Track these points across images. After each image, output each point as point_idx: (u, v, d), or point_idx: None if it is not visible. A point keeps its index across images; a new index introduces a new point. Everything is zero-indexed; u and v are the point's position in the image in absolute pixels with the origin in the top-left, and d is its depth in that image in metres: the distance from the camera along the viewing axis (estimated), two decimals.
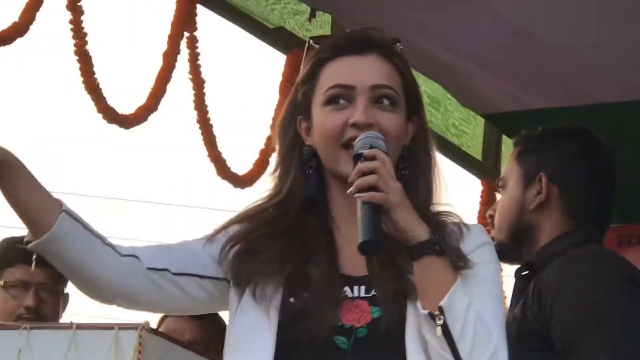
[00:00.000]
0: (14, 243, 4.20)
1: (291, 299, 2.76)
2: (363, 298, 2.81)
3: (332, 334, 2.77)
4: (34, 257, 3.74)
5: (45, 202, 2.77)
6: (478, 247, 2.89)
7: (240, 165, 5.14)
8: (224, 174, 4.92)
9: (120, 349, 3.29)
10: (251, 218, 2.87)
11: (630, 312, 3.29)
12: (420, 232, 2.76)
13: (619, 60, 5.09)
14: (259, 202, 2.88)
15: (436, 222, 2.88)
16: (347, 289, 2.81)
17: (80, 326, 3.34)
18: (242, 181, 5.01)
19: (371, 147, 2.72)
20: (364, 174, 2.68)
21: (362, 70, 2.87)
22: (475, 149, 5.94)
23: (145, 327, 3.33)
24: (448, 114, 5.81)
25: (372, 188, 2.67)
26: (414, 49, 4.93)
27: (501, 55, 5.20)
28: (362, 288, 2.82)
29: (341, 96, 2.82)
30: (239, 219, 2.90)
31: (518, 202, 3.56)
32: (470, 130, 5.91)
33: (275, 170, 2.87)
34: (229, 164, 4.99)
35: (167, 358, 3.47)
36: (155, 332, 3.45)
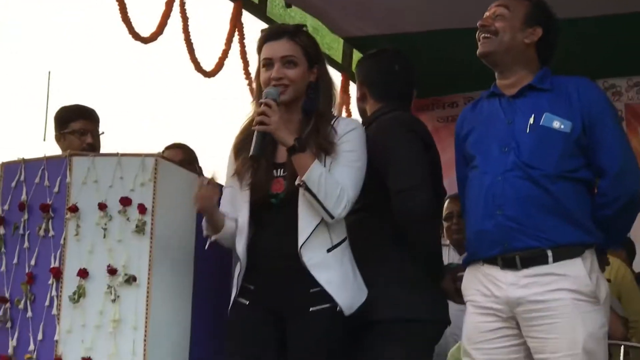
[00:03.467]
0: (69, 108, 4.85)
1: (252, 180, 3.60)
2: (281, 177, 3.59)
3: (268, 197, 3.60)
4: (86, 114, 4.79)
5: (221, 220, 3.63)
6: (344, 135, 3.57)
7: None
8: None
9: (145, 167, 3.81)
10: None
11: (408, 153, 3.76)
12: (289, 141, 3.48)
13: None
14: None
15: (328, 123, 3.59)
16: (275, 171, 3.60)
17: (122, 154, 3.83)
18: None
19: (266, 98, 3.50)
20: (259, 114, 3.50)
21: (275, 48, 3.61)
22: (338, 57, 7.13)
23: (159, 155, 3.86)
24: (323, 37, 6.98)
25: (262, 122, 3.47)
26: (306, 1, 6.43)
27: (353, 5, 6.42)
28: (281, 170, 3.59)
29: (267, 64, 3.62)
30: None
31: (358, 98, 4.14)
32: (335, 46, 7.16)
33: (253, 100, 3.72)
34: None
35: (165, 171, 3.85)
36: (163, 157, 3.92)
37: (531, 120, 3.55)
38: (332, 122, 3.62)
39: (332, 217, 3.48)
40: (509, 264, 3.47)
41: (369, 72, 4.14)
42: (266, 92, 3.54)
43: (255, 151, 3.47)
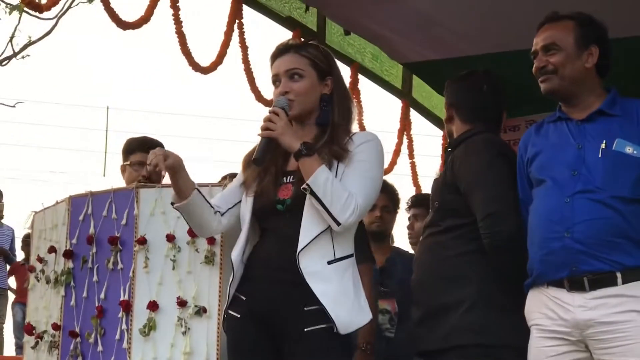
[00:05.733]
0: (134, 139, 4.78)
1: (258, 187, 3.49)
2: (289, 182, 3.46)
3: (274, 204, 3.44)
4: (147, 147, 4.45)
5: (189, 184, 3.45)
6: (359, 145, 3.42)
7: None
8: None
9: (212, 196, 3.56)
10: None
11: (498, 177, 3.69)
12: (294, 146, 3.36)
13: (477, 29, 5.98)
14: None
15: (345, 133, 3.46)
16: (284, 178, 3.48)
17: (163, 185, 3.83)
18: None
19: (274, 106, 3.43)
20: (264, 121, 3.39)
21: (281, 64, 3.51)
22: (398, 83, 7.05)
23: (226, 185, 3.70)
24: (382, 63, 6.95)
25: (267, 128, 3.38)
26: (365, 28, 6.21)
27: (413, 30, 6.12)
28: (290, 177, 3.47)
29: (275, 80, 3.53)
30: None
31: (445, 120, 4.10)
32: (394, 72, 7.06)
33: None
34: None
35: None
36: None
37: (603, 146, 3.45)
38: (350, 135, 3.48)
39: (338, 223, 3.30)
40: (576, 286, 3.37)
41: (456, 94, 4.05)
42: (275, 102, 3.46)
43: (257, 154, 3.36)
